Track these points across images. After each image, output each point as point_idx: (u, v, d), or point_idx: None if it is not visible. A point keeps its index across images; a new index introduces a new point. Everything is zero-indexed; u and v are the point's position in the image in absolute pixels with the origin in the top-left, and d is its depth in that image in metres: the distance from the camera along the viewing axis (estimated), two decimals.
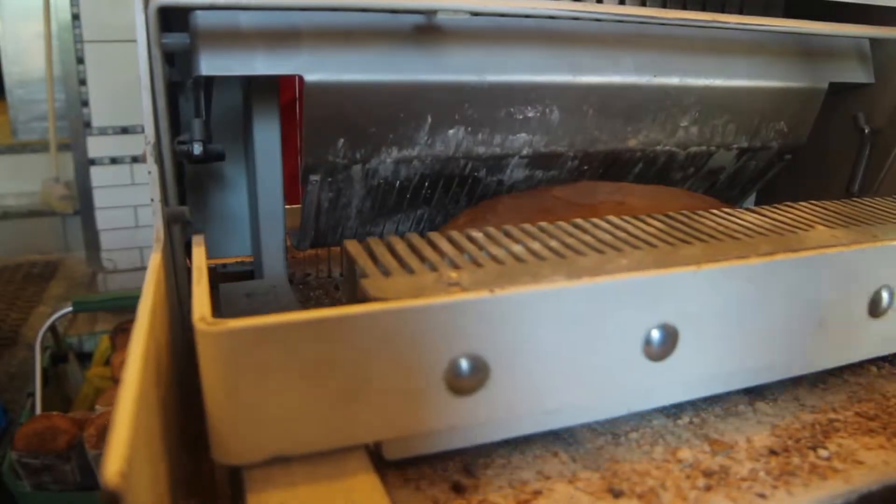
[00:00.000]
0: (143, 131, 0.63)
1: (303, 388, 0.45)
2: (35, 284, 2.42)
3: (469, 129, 0.81)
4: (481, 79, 0.76)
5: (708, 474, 0.53)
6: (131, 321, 1.27)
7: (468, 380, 0.48)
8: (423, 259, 0.56)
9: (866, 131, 1.01)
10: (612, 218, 0.68)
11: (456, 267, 0.54)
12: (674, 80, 0.87)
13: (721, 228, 0.67)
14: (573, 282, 0.50)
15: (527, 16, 0.71)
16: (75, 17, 2.37)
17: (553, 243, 0.60)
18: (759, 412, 0.63)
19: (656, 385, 0.56)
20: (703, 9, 0.92)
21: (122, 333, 1.30)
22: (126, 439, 0.31)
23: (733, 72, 0.91)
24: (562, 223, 0.65)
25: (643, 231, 0.65)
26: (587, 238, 0.62)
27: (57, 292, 2.31)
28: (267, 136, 0.79)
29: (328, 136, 0.77)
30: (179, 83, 0.80)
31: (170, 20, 0.69)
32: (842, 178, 1.06)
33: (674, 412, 0.62)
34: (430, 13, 0.68)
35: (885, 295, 0.64)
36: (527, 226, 0.64)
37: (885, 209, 0.79)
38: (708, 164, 1.02)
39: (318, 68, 0.70)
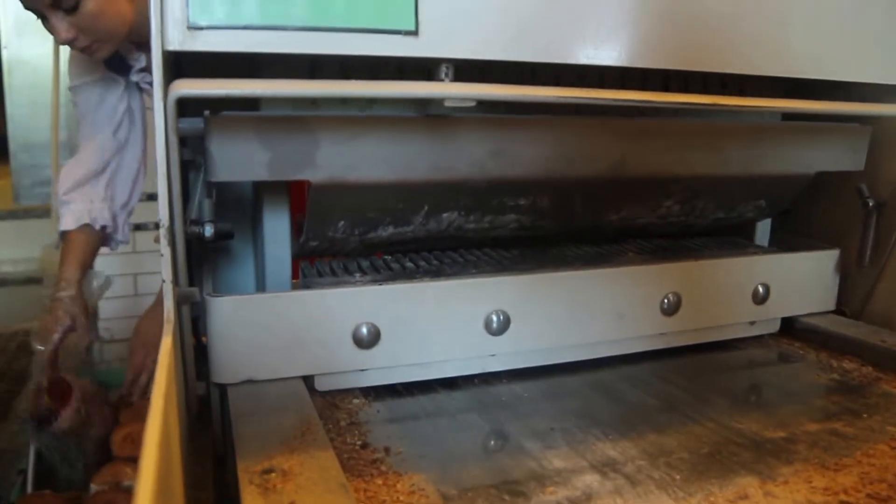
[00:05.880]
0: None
1: (264, 337, 0.78)
2: (29, 354, 2.42)
3: (462, 212, 0.88)
4: (481, 175, 0.83)
5: None
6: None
7: (367, 339, 0.81)
8: (347, 270, 0.94)
9: (871, 204, 1.05)
10: (487, 250, 1.04)
11: (364, 273, 0.92)
12: (664, 172, 0.93)
13: (559, 255, 1.03)
14: (433, 281, 0.84)
15: (532, 102, 0.77)
16: None
17: (434, 261, 0.98)
18: (769, 495, 0.64)
19: (497, 352, 0.88)
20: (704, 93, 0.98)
21: (124, 409, 1.31)
22: None
23: (723, 163, 0.96)
24: (449, 252, 1.02)
25: (502, 257, 1.01)
26: (460, 259, 0.99)
27: None
28: (276, 222, 0.83)
29: (330, 219, 0.84)
30: (190, 161, 0.85)
31: (184, 106, 0.75)
32: (850, 248, 1.09)
33: (683, 496, 0.64)
34: (437, 101, 0.73)
35: (672, 298, 0.95)
36: (424, 253, 1.01)
37: (698, 246, 1.12)
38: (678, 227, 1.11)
39: (325, 171, 0.76)
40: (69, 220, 1.28)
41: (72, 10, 1.02)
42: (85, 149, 1.31)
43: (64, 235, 1.30)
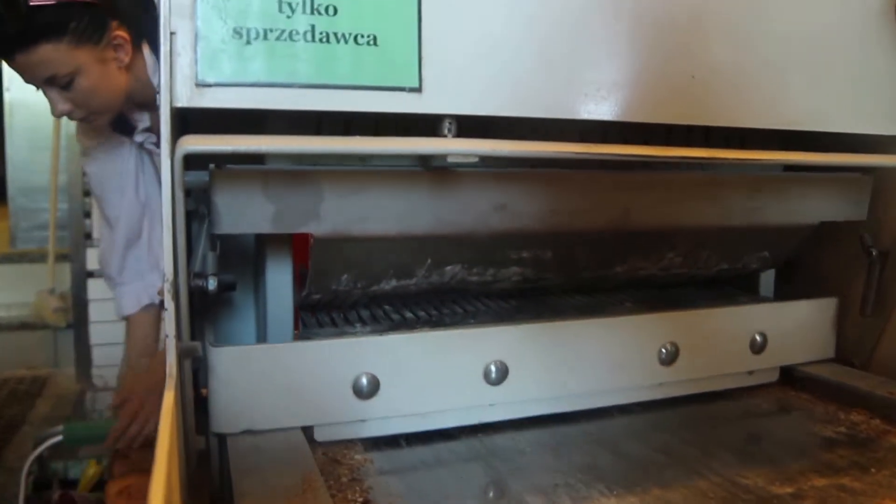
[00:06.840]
0: None
1: (264, 387, 0.79)
2: (21, 402, 2.42)
3: (465, 265, 0.91)
4: (485, 229, 0.85)
5: None
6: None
7: (366, 390, 0.82)
8: (347, 320, 0.96)
9: (874, 253, 1.06)
10: (485, 300, 1.06)
11: (364, 323, 0.94)
12: (667, 224, 0.95)
13: (555, 305, 1.05)
14: (431, 331, 0.87)
15: (535, 158, 0.79)
16: None
17: (433, 311, 1.00)
18: None
19: (496, 402, 0.89)
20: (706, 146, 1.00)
21: (120, 460, 1.30)
22: None
23: (726, 214, 0.98)
24: (448, 302, 1.04)
25: (501, 307, 1.04)
26: (458, 309, 1.01)
27: (43, 411, 2.31)
28: (279, 274, 0.85)
29: (333, 273, 0.85)
30: (193, 211, 0.87)
31: (188, 158, 0.76)
32: (856, 297, 1.11)
33: None
34: (440, 157, 0.75)
35: (669, 348, 0.96)
36: (423, 303, 1.02)
37: (688, 296, 1.15)
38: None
39: (329, 224, 0.78)
40: (129, 304, 1.31)
41: (66, 86, 1.06)
42: (115, 220, 1.33)
43: (127, 318, 1.32)
